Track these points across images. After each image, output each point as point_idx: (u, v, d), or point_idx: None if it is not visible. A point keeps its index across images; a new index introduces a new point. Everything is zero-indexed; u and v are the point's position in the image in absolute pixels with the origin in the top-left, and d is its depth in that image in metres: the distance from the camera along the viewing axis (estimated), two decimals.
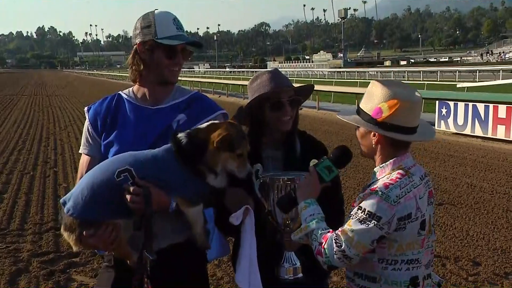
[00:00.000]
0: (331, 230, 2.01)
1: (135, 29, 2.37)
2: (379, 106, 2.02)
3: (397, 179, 1.98)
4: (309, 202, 2.06)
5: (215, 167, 2.09)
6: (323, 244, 1.97)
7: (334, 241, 1.95)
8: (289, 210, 2.15)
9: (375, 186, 2.00)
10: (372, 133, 2.07)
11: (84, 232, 2.03)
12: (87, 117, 2.46)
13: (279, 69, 2.61)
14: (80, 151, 2.49)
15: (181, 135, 2.11)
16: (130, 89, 2.49)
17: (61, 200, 2.12)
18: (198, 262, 2.39)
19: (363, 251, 1.95)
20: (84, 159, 2.46)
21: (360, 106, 2.13)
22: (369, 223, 1.91)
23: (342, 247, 1.93)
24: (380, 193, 1.94)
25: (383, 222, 1.91)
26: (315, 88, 2.62)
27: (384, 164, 2.07)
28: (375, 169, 2.12)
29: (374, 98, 2.06)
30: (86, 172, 2.26)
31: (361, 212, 1.94)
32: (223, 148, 2.06)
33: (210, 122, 2.19)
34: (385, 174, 2.05)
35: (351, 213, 1.99)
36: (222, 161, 2.09)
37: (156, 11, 2.37)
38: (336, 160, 2.14)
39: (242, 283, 2.19)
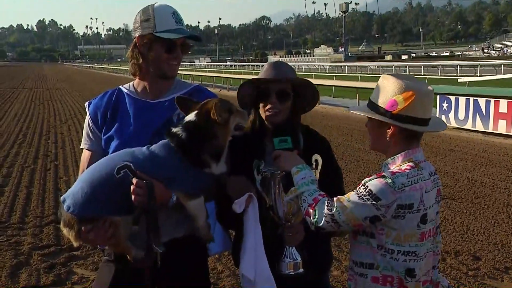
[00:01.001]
0: (322, 193, 2.07)
1: (134, 22, 2.36)
2: (394, 98, 2.03)
3: (406, 170, 2.00)
4: (300, 167, 2.14)
5: (226, 139, 2.14)
6: (312, 205, 2.03)
7: (326, 204, 2.01)
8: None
9: (383, 172, 2.03)
10: (387, 126, 2.07)
11: (82, 228, 2.03)
12: (87, 112, 2.46)
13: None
14: (81, 146, 2.50)
15: (177, 130, 2.10)
16: (131, 83, 2.48)
17: (61, 198, 2.13)
18: (199, 257, 2.39)
19: (354, 223, 1.99)
20: (85, 154, 2.45)
21: (372, 100, 2.13)
22: (367, 200, 1.95)
23: (332, 212, 1.99)
24: (386, 177, 1.97)
25: (381, 204, 1.94)
26: (316, 83, 2.60)
27: (394, 156, 2.09)
28: (386, 160, 2.13)
29: (387, 91, 2.07)
30: (87, 167, 2.26)
31: (363, 189, 1.98)
32: (224, 113, 2.10)
33: (195, 110, 2.16)
34: (395, 166, 2.06)
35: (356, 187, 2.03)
36: (231, 125, 2.15)
37: (155, 5, 2.35)
38: (278, 133, 2.27)
39: (248, 272, 2.17)
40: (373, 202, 1.94)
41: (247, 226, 2.21)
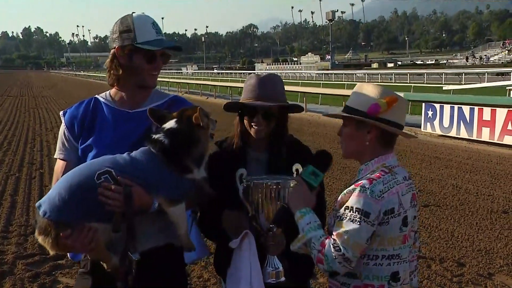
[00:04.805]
0: (328, 236, 2.02)
1: (112, 33, 2.33)
2: (376, 102, 2.05)
3: (381, 175, 2.02)
4: (303, 211, 2.06)
5: (208, 143, 2.14)
6: (322, 251, 1.98)
7: (332, 246, 1.96)
8: (285, 223, 2.14)
9: (359, 182, 2.03)
10: (367, 130, 2.09)
11: (61, 233, 1.98)
12: (63, 121, 2.41)
13: (270, 71, 2.59)
14: (55, 156, 2.43)
15: (158, 136, 2.10)
16: (107, 92, 2.44)
17: (36, 204, 2.07)
18: (176, 265, 2.37)
19: (360, 250, 1.97)
20: (59, 164, 2.40)
21: (349, 105, 2.13)
22: (359, 220, 1.94)
23: (341, 251, 1.94)
24: (364, 188, 1.97)
25: (372, 218, 1.95)
26: (303, 91, 2.63)
27: (368, 162, 2.11)
28: (361, 167, 2.15)
29: (367, 95, 2.09)
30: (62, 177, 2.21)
31: (349, 212, 1.97)
32: (205, 117, 2.12)
33: (173, 118, 2.15)
34: (368, 172, 2.09)
35: (339, 214, 2.02)
36: (209, 129, 2.16)
37: (134, 15, 2.33)
38: (319, 164, 2.16)
39: None
40: (365, 219, 1.94)
41: (239, 257, 2.22)
